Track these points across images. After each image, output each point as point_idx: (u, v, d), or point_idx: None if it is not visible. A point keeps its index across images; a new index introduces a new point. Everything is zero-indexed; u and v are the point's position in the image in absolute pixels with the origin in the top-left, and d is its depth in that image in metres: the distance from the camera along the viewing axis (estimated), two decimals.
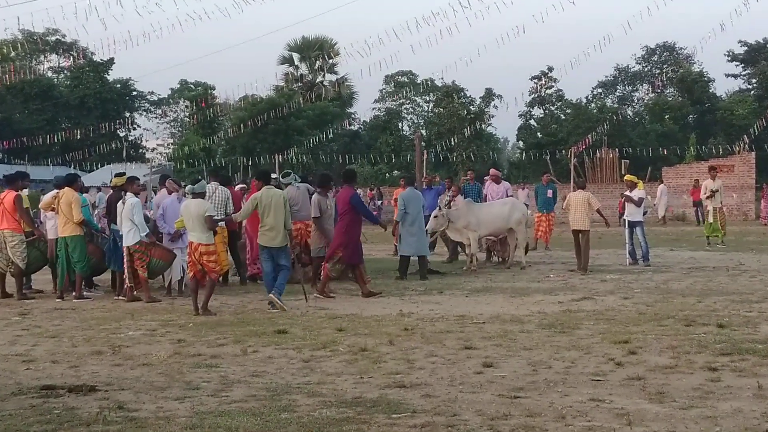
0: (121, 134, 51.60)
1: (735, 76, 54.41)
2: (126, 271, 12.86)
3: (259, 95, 45.38)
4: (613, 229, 23.07)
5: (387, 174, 44.00)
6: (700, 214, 32.16)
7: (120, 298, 13.03)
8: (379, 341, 8.99)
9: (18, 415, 6.26)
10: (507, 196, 18.91)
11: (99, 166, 43.23)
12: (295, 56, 50.13)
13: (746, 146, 38.58)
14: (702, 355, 8.05)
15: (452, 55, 63.87)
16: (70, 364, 8.16)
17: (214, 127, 46.61)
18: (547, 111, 50.65)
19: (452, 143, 41.18)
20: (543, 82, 49.84)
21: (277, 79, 50.00)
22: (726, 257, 18.68)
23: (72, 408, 6.43)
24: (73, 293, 13.18)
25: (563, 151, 39.21)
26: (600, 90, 56.79)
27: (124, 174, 13.81)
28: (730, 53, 53.16)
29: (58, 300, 13.09)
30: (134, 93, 55.83)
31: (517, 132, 51.96)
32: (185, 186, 12.64)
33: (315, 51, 49.13)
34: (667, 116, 49.06)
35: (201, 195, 11.86)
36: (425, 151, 28.27)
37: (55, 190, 13.71)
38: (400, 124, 53.58)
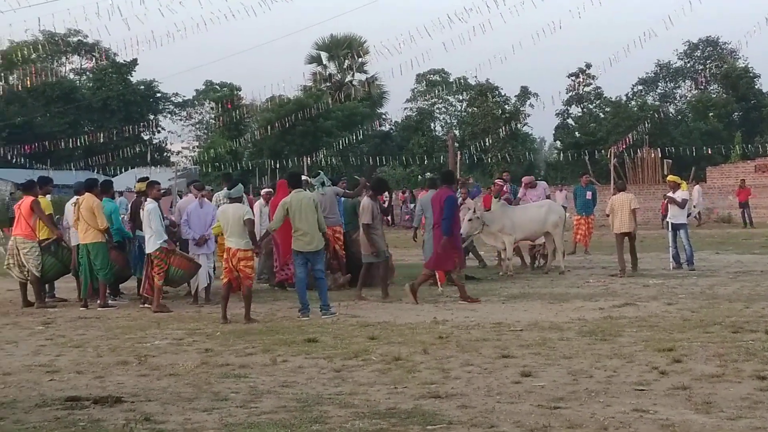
0: (145, 137, 51.74)
1: None
2: (149, 278, 12.78)
3: (287, 96, 45.23)
4: (656, 232, 22.79)
5: (419, 176, 43.76)
6: (746, 215, 31.63)
7: (146, 306, 12.94)
8: (413, 350, 8.87)
9: (42, 427, 6.23)
10: (545, 197, 18.63)
11: (123, 170, 43.48)
12: (324, 55, 49.71)
13: None
14: (750, 363, 7.90)
15: (486, 53, 63.37)
16: (95, 375, 8.11)
17: (241, 129, 46.59)
18: (585, 109, 50.11)
19: (487, 144, 40.93)
20: (581, 80, 49.35)
21: (304, 78, 49.72)
22: None
23: (97, 420, 6.39)
24: (98, 301, 13.08)
25: (602, 151, 38.60)
26: (640, 87, 56.03)
27: (147, 179, 13.77)
28: None
29: (82, 308, 12.95)
30: (158, 95, 55.67)
31: (554, 131, 51.60)
32: (208, 189, 12.45)
33: (344, 49, 48.66)
34: (711, 114, 48.34)
35: (238, 199, 11.88)
36: (459, 153, 28.05)
37: (75, 197, 13.64)
38: (432, 125, 53.39)
